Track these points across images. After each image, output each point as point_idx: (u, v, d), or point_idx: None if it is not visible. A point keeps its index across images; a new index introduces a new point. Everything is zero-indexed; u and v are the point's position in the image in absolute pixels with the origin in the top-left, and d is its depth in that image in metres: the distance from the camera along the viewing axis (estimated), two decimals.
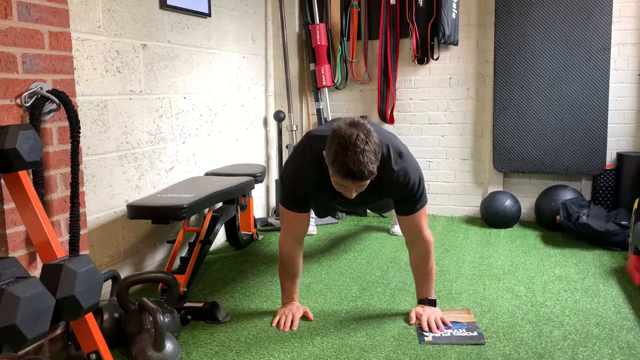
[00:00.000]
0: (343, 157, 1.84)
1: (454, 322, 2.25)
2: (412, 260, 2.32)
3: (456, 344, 2.08)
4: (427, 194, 2.26)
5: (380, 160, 1.98)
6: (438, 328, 2.19)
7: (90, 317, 1.77)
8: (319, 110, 4.08)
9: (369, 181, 1.95)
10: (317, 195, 2.26)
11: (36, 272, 1.91)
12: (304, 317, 2.33)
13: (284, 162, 4.07)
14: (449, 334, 2.16)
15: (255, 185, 3.32)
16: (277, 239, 2.98)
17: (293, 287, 2.38)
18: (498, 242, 3.44)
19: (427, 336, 2.14)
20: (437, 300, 2.40)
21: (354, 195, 1.99)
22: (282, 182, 2.29)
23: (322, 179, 2.10)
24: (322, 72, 4.00)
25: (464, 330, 2.19)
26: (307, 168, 2.14)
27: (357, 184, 1.92)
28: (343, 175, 1.88)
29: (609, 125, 3.67)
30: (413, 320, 2.28)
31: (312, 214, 3.09)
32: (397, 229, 3.62)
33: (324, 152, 1.98)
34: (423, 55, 3.96)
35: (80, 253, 2.02)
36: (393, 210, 2.47)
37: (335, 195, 2.15)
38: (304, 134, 4.31)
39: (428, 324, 2.21)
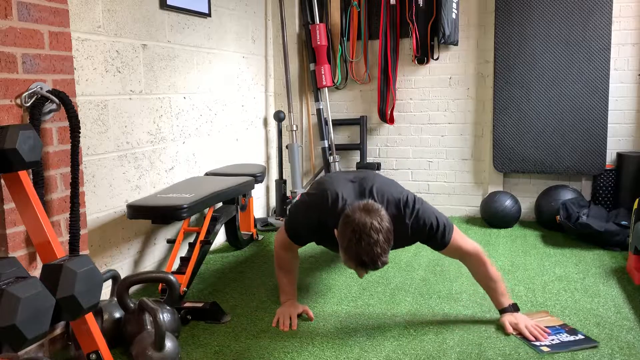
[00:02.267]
0: (357, 247, 1.87)
1: (548, 327, 2.18)
2: (473, 274, 2.28)
3: (575, 350, 2.01)
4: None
5: (393, 218, 2.02)
6: (542, 335, 2.11)
7: (90, 317, 1.77)
8: (319, 110, 4.08)
9: None
10: (320, 242, 2.34)
11: (36, 272, 1.91)
12: (305, 316, 2.34)
13: (283, 163, 4.08)
14: (559, 341, 2.08)
15: (255, 185, 3.32)
16: None
17: (291, 286, 2.40)
18: (498, 242, 3.44)
19: (542, 346, 2.05)
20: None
21: (364, 275, 2.03)
22: (289, 213, 2.33)
23: (326, 234, 2.14)
24: (322, 72, 4.00)
25: (566, 334, 2.13)
26: (312, 224, 2.20)
27: (369, 272, 1.98)
28: (356, 265, 1.93)
29: (609, 125, 3.67)
30: (510, 329, 2.16)
31: None
32: None
33: (335, 230, 2.02)
34: (423, 55, 3.96)
35: (80, 253, 2.02)
36: None
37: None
38: (303, 133, 4.30)
39: (531, 333, 2.12)
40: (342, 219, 1.96)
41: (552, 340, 2.09)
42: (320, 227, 2.16)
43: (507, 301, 2.26)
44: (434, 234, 2.14)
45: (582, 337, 2.11)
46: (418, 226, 2.12)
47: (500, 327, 2.20)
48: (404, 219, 2.10)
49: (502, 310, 2.26)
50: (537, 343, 2.07)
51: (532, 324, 2.17)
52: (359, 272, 1.99)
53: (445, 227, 2.16)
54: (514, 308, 2.25)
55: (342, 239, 1.93)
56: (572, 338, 2.10)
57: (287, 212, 2.34)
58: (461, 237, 2.22)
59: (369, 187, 2.14)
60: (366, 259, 1.86)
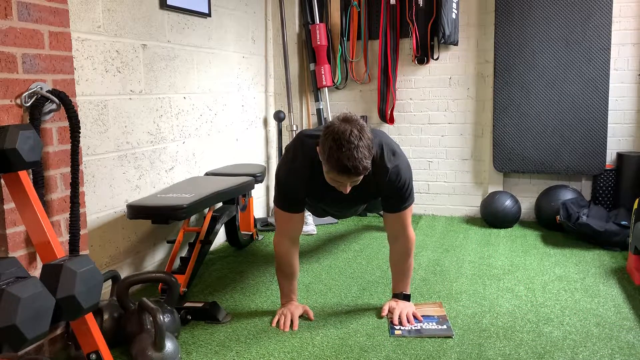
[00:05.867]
0: (338, 153, 1.88)
1: (425, 316, 2.30)
2: (393, 256, 2.37)
3: (425, 337, 2.14)
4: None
5: (373, 158, 2.02)
6: (409, 322, 2.24)
7: (90, 317, 1.77)
8: (319, 110, 4.08)
9: (362, 176, 1.98)
10: (308, 195, 2.29)
11: (36, 272, 1.91)
12: (305, 317, 2.34)
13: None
14: (419, 327, 2.21)
15: (255, 185, 3.32)
16: None
17: (291, 287, 2.39)
18: (498, 242, 3.44)
19: (397, 329, 2.20)
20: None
21: (348, 189, 2.02)
22: (275, 183, 2.30)
23: (313, 179, 2.14)
24: (322, 72, 4.00)
25: (434, 323, 2.24)
26: (299, 169, 2.16)
27: (352, 179, 1.97)
28: (338, 172, 1.92)
29: (609, 125, 3.67)
30: (385, 312, 2.32)
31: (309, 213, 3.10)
32: None
33: (317, 147, 2.01)
34: (423, 55, 3.96)
35: (80, 253, 2.02)
36: None
37: (324, 196, 2.18)
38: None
39: (399, 318, 2.25)
40: (322, 133, 1.98)
41: (415, 327, 2.21)
42: (309, 170, 2.13)
43: (404, 289, 2.37)
44: (402, 193, 2.19)
45: (445, 327, 2.21)
46: (394, 176, 2.14)
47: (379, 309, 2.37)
48: (384, 161, 2.12)
49: (394, 295, 2.38)
50: (396, 327, 2.21)
51: (409, 311, 2.28)
52: (342, 183, 1.98)
53: (411, 194, 2.23)
54: (404, 297, 2.36)
55: (323, 150, 1.94)
56: (435, 327, 2.21)
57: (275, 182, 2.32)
58: (411, 217, 2.31)
59: (355, 116, 2.09)
60: (347, 164, 1.87)
